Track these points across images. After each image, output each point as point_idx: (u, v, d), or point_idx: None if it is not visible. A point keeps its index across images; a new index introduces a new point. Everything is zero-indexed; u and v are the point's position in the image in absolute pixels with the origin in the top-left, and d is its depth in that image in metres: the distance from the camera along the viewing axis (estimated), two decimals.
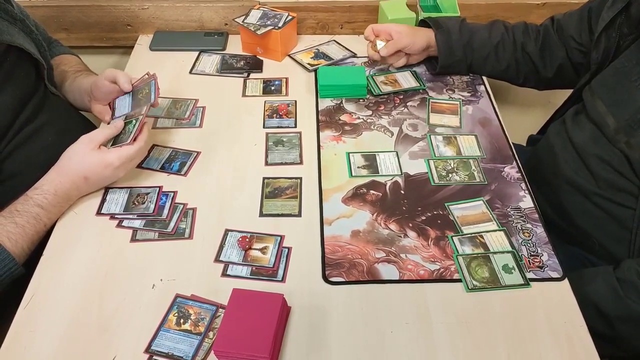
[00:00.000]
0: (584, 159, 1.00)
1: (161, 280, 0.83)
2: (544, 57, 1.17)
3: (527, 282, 0.83)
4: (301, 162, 1.03)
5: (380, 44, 1.21)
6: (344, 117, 1.14)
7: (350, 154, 1.04)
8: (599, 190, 0.97)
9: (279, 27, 1.25)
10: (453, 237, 0.89)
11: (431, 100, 1.18)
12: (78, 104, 1.12)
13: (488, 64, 1.21)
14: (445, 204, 0.95)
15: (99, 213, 0.93)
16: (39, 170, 0.96)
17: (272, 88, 1.22)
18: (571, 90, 1.16)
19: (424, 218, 0.93)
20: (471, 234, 0.90)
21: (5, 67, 0.97)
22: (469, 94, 1.20)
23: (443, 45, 1.18)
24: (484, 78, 1.25)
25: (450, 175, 1.00)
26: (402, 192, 0.98)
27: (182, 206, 0.94)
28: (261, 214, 0.93)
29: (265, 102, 1.18)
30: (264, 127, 1.11)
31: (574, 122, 1.06)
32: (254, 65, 1.29)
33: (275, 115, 1.14)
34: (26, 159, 0.98)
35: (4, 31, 0.97)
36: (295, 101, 1.18)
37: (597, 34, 1.03)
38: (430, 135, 1.09)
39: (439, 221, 0.92)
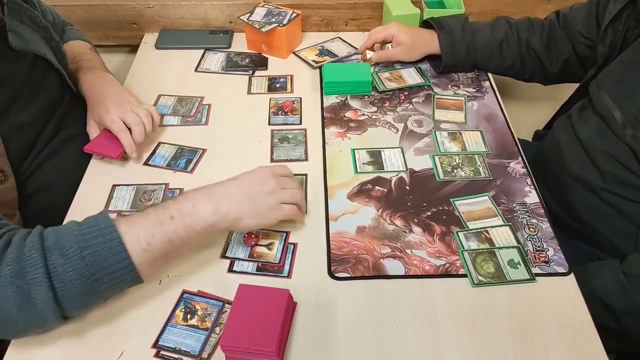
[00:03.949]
0: (590, 154, 1.00)
1: (168, 276, 0.84)
2: (549, 52, 1.17)
3: (532, 277, 0.83)
4: (306, 159, 1.03)
5: (369, 54, 1.25)
6: (349, 114, 1.14)
7: (356, 151, 1.05)
8: (606, 185, 0.97)
9: (284, 25, 1.26)
10: (458, 233, 0.89)
11: (436, 96, 1.18)
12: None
13: (492, 62, 1.21)
14: (451, 200, 0.95)
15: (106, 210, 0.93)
16: (65, 183, 0.96)
17: (277, 85, 1.22)
18: (577, 85, 1.16)
19: (429, 214, 0.93)
20: (477, 229, 0.90)
21: (35, 78, 0.96)
22: (474, 90, 1.20)
23: (446, 45, 1.18)
24: (489, 74, 1.25)
25: (455, 171, 1.00)
26: (408, 188, 0.98)
27: None
28: None
29: (270, 99, 1.18)
30: (269, 124, 1.12)
31: (579, 117, 1.06)
32: (259, 62, 1.29)
33: (280, 112, 1.14)
34: (52, 171, 0.97)
35: (29, 40, 0.95)
36: (300, 98, 1.18)
37: (603, 27, 1.03)
38: (435, 131, 1.09)
39: (444, 217, 0.92)
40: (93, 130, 1.03)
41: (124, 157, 1.02)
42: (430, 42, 1.20)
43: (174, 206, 0.76)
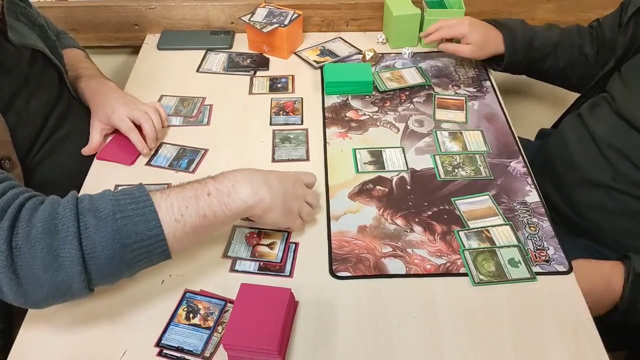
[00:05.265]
0: (603, 152, 1.00)
1: (170, 275, 0.84)
2: (598, 59, 1.17)
3: (533, 276, 0.83)
4: (308, 159, 1.04)
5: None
6: (350, 114, 1.14)
7: (357, 150, 1.05)
8: (616, 184, 0.97)
9: (285, 25, 1.26)
10: (459, 232, 0.89)
11: (437, 96, 1.18)
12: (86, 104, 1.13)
13: (547, 63, 1.20)
14: (452, 199, 0.95)
15: None
16: (66, 178, 0.97)
17: (279, 85, 1.23)
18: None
19: (430, 213, 0.93)
20: (477, 228, 0.90)
21: (36, 73, 0.97)
22: (475, 90, 1.20)
23: (509, 44, 1.18)
24: (490, 73, 1.25)
25: (456, 170, 1.01)
26: (409, 187, 0.98)
27: None
28: None
29: (271, 99, 1.18)
30: (270, 124, 1.12)
31: (592, 115, 1.05)
32: (261, 63, 1.30)
33: (281, 112, 1.15)
34: (54, 167, 0.97)
35: (27, 36, 0.96)
36: (302, 98, 1.19)
37: (626, 18, 1.03)
38: (436, 131, 1.09)
39: (445, 216, 0.93)
40: (96, 134, 1.04)
41: None
42: (499, 42, 1.19)
43: (212, 184, 0.76)
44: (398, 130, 1.10)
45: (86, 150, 1.03)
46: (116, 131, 1.06)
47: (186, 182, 0.78)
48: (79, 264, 0.66)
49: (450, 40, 1.24)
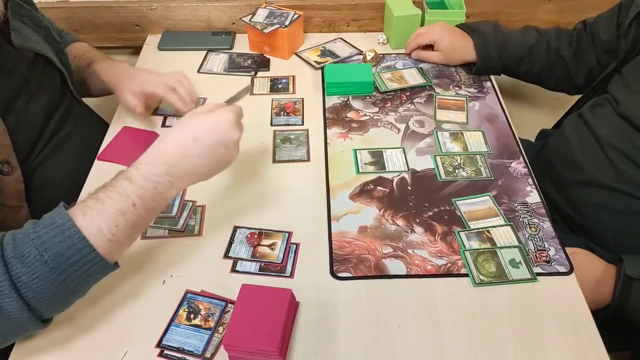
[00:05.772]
0: (605, 153, 1.00)
1: (171, 276, 0.84)
2: (577, 61, 1.17)
3: (534, 277, 0.83)
4: (308, 159, 1.04)
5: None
6: (351, 114, 1.14)
7: (357, 151, 1.05)
8: (618, 184, 0.97)
9: (286, 26, 1.26)
10: (460, 232, 0.89)
11: (438, 96, 1.18)
12: (97, 90, 1.14)
13: (522, 67, 1.21)
14: (452, 200, 0.95)
15: None
16: (67, 179, 0.97)
17: (280, 86, 1.23)
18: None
19: (430, 214, 0.93)
20: (478, 229, 0.90)
21: (36, 76, 0.97)
22: (476, 90, 1.20)
23: (480, 49, 1.19)
24: (491, 75, 1.25)
25: (457, 171, 1.01)
26: (409, 188, 0.98)
27: (191, 203, 0.95)
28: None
29: (272, 100, 1.18)
30: (271, 124, 1.12)
31: (594, 115, 1.05)
32: (261, 63, 1.30)
33: (282, 113, 1.15)
34: (56, 168, 0.98)
35: (30, 39, 0.97)
36: (303, 99, 1.19)
37: (628, 21, 1.03)
38: (436, 132, 1.09)
39: (445, 217, 0.93)
40: (131, 99, 1.05)
41: None
42: (467, 49, 1.21)
43: (133, 192, 0.71)
44: (399, 130, 1.10)
45: (138, 111, 1.05)
46: (118, 132, 1.06)
47: (101, 190, 0.71)
48: (25, 312, 0.65)
49: (429, 46, 1.25)
